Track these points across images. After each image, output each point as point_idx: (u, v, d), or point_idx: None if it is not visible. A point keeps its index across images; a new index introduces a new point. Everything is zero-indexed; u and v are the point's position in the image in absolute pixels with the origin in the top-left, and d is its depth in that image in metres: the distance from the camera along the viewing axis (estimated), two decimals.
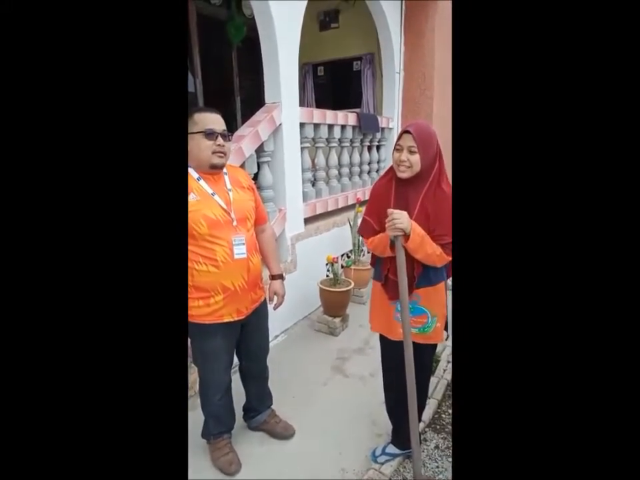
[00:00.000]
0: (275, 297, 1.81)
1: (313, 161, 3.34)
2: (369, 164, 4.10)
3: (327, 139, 3.32)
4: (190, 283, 1.45)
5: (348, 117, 3.46)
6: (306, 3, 2.76)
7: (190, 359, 1.71)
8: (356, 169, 3.85)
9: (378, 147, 4.28)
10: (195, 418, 1.74)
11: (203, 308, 1.48)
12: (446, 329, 1.58)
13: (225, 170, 1.53)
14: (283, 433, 1.87)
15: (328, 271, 3.33)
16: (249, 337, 1.68)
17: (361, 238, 1.62)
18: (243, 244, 1.48)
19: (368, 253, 3.31)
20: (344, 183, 3.66)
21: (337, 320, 2.86)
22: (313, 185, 3.33)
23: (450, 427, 1.92)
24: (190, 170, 1.45)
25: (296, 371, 2.40)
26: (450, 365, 2.35)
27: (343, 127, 3.44)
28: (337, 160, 3.53)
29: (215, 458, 1.71)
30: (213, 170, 1.46)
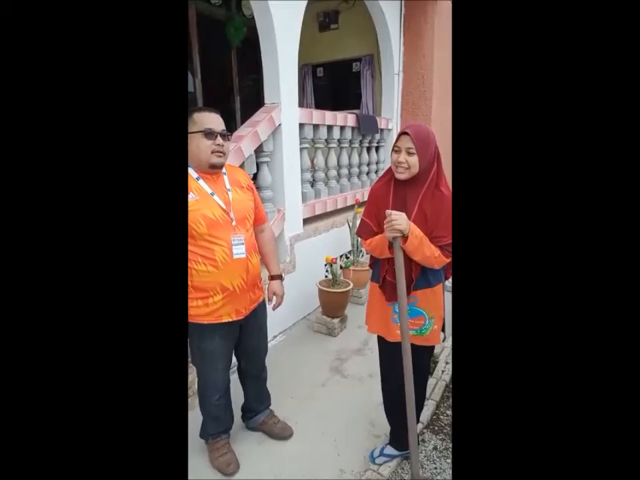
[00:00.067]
0: (274, 298, 1.81)
1: (312, 162, 3.34)
2: (368, 165, 4.11)
3: (326, 140, 3.32)
4: (189, 282, 1.45)
5: (347, 118, 3.46)
6: (305, 3, 2.77)
7: (188, 359, 1.71)
8: (355, 170, 3.85)
9: (377, 148, 4.29)
10: (194, 418, 1.73)
11: (202, 308, 1.48)
12: (443, 330, 1.58)
13: (224, 170, 1.53)
14: (281, 433, 1.86)
15: (327, 271, 3.34)
16: (247, 337, 1.68)
17: (359, 239, 1.61)
18: (242, 244, 1.48)
19: (367, 254, 3.31)
20: (343, 184, 3.66)
21: (336, 321, 2.86)
22: (312, 186, 3.34)
23: (448, 428, 1.92)
24: (189, 169, 1.45)
25: (294, 372, 2.40)
26: (448, 366, 2.35)
27: (342, 127, 3.44)
28: (336, 161, 3.53)
29: (213, 458, 1.70)
30: (212, 170, 1.46)
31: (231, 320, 1.53)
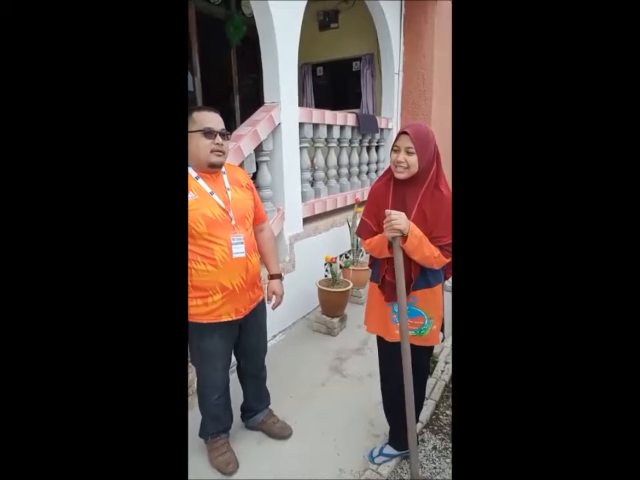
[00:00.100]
0: (274, 297, 1.81)
1: (311, 161, 3.34)
2: (368, 164, 4.11)
3: (326, 139, 3.32)
4: (188, 282, 1.44)
5: (347, 118, 3.46)
6: (305, 2, 2.76)
7: (188, 358, 1.71)
8: (355, 170, 3.85)
9: (377, 148, 4.28)
10: (193, 417, 1.73)
11: (201, 307, 1.47)
12: (442, 330, 1.57)
13: (223, 169, 1.53)
14: (280, 432, 1.86)
15: (326, 271, 3.34)
16: (247, 336, 1.68)
17: (359, 238, 1.61)
18: (242, 243, 1.48)
19: (367, 253, 3.31)
20: (343, 183, 3.66)
21: (335, 320, 2.86)
22: (312, 185, 3.33)
23: (448, 428, 1.92)
24: (188, 169, 1.45)
25: (294, 371, 2.40)
26: (448, 366, 2.35)
27: (342, 127, 3.44)
28: (336, 160, 3.53)
29: (213, 457, 1.70)
30: (212, 169, 1.46)
31: (230, 319, 1.53)
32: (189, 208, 1.37)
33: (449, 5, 4.13)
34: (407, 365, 1.38)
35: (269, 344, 1.94)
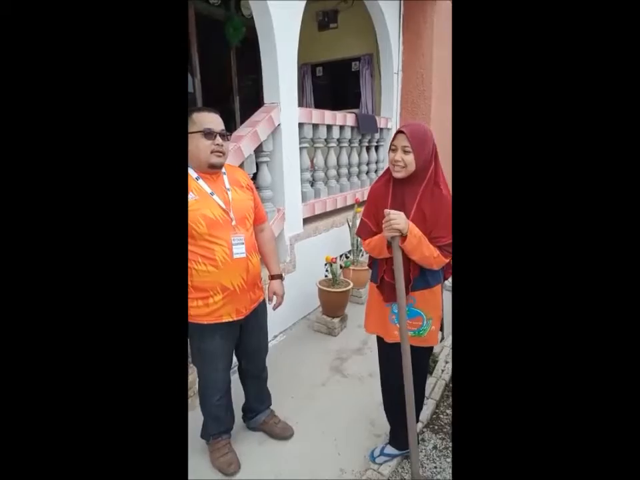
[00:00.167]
0: (274, 297, 1.81)
1: (311, 161, 3.34)
2: (368, 164, 4.10)
3: (325, 139, 3.32)
4: (189, 282, 1.45)
5: (346, 118, 3.46)
6: (304, 3, 2.76)
7: (189, 359, 1.71)
8: (355, 170, 3.85)
9: (376, 148, 4.28)
10: (194, 418, 1.73)
11: (202, 308, 1.48)
12: (442, 330, 1.57)
13: (223, 170, 1.53)
14: (281, 433, 1.87)
15: (327, 271, 3.34)
16: (247, 337, 1.68)
17: (359, 238, 1.61)
18: (242, 244, 1.48)
19: (367, 253, 3.32)
20: (343, 184, 3.66)
21: (336, 320, 2.86)
22: (312, 185, 3.33)
23: (448, 427, 1.92)
24: (189, 169, 1.45)
25: (295, 371, 2.40)
26: (448, 365, 2.35)
27: (342, 127, 3.44)
28: (336, 160, 3.53)
29: (214, 458, 1.70)
30: (212, 169, 1.46)
31: (231, 320, 1.53)
32: (189, 208, 1.37)
33: (448, 4, 4.13)
34: (407, 364, 1.38)
35: (269, 344, 1.94)
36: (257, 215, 1.65)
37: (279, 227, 2.74)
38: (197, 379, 1.68)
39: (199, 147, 1.40)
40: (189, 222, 1.37)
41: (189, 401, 2.01)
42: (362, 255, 3.63)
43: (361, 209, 1.73)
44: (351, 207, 3.61)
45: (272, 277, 1.80)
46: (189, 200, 1.38)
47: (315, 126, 3.11)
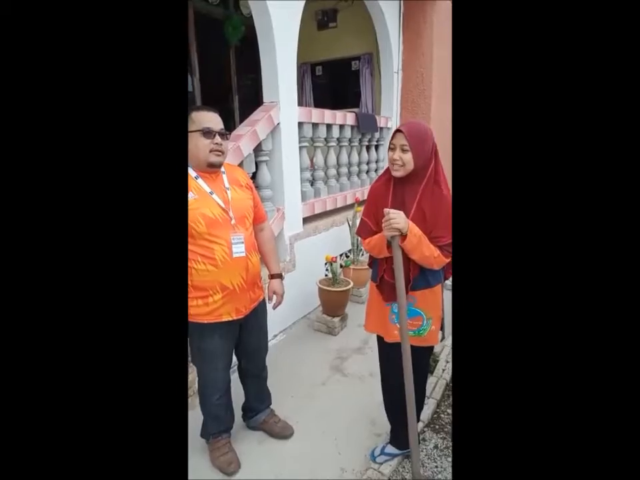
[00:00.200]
0: (274, 296, 1.81)
1: (311, 161, 3.34)
2: (368, 163, 4.10)
3: (325, 139, 3.31)
4: (188, 282, 1.44)
5: (346, 117, 3.46)
6: (304, 2, 2.76)
7: (189, 359, 1.71)
8: (354, 169, 3.85)
9: (376, 147, 4.28)
10: (194, 417, 1.73)
11: (202, 307, 1.47)
12: (442, 329, 1.57)
13: (222, 169, 1.53)
14: (281, 432, 1.86)
15: (327, 270, 3.33)
16: (247, 336, 1.68)
17: (359, 238, 1.61)
18: (242, 243, 1.48)
19: (367, 252, 3.32)
20: (342, 183, 3.66)
21: (336, 319, 2.85)
22: (312, 185, 3.33)
23: (449, 427, 1.92)
24: (188, 169, 1.45)
25: (295, 371, 2.40)
26: (449, 365, 2.35)
27: (342, 126, 3.44)
28: (336, 159, 3.53)
29: (214, 457, 1.70)
30: (211, 169, 1.46)
31: (231, 319, 1.53)
32: (189, 208, 1.36)
33: (448, 4, 4.13)
34: (407, 364, 1.38)
35: (269, 344, 1.93)
36: (256, 214, 1.65)
37: (278, 226, 2.73)
38: (197, 378, 1.68)
39: (198, 146, 1.40)
40: (189, 221, 1.37)
41: (189, 400, 2.01)
42: (362, 254, 3.62)
43: (361, 208, 1.73)
44: (350, 206, 3.61)
45: (272, 276, 1.80)
46: (188, 199, 1.38)
47: (315, 125, 3.11)
